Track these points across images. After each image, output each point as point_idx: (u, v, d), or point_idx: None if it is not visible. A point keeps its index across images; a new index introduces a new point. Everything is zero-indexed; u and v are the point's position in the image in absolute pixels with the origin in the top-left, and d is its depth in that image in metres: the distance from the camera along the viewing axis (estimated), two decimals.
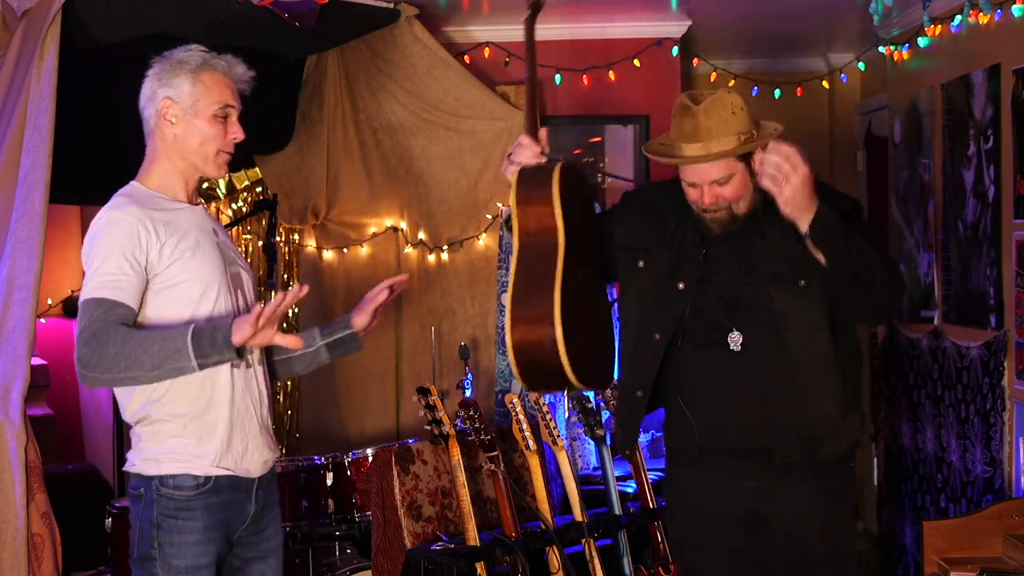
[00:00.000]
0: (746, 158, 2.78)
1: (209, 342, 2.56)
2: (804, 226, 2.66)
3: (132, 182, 2.80)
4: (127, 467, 2.77)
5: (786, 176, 2.60)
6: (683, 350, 2.95)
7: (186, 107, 2.75)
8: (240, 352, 2.59)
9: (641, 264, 2.96)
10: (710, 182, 2.80)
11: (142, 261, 2.64)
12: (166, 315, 2.68)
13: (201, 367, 2.57)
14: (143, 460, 2.72)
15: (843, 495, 2.99)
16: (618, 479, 4.21)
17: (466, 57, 5.33)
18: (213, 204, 5.36)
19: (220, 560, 2.77)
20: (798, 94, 6.09)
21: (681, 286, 2.90)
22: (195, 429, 2.69)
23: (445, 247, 5.21)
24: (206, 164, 2.80)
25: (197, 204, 2.85)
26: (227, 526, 2.76)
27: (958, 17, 4.49)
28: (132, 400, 2.72)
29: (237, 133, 2.82)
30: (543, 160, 2.85)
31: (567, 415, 4.66)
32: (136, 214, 2.66)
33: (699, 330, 2.92)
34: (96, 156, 4.20)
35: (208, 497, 2.70)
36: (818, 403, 2.85)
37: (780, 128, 2.88)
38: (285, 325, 5.49)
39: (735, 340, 2.88)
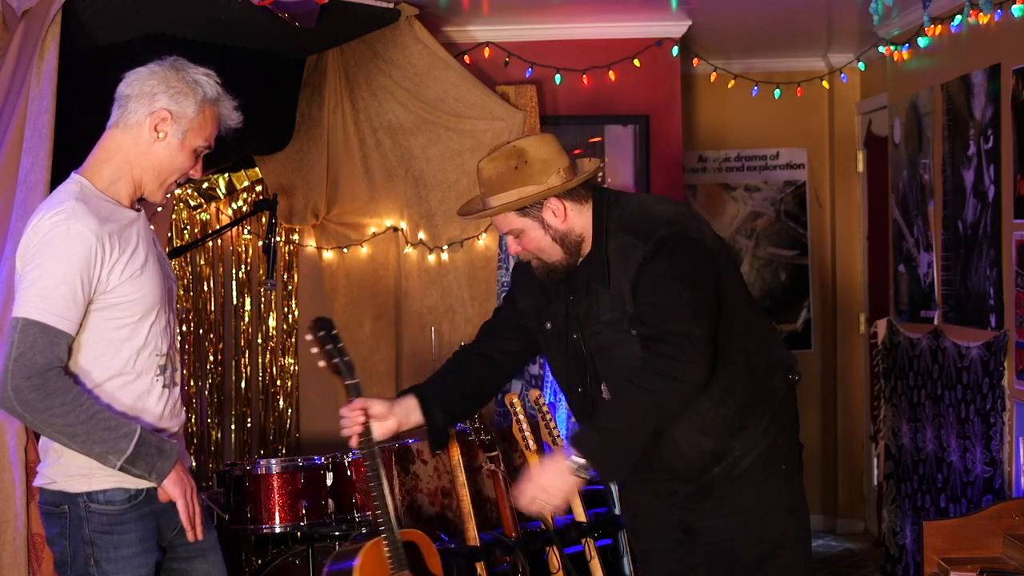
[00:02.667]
0: (536, 214, 2.78)
1: (145, 465, 2.57)
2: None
3: (79, 177, 2.65)
4: (43, 483, 2.67)
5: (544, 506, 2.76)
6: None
7: (180, 130, 2.64)
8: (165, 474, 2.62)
9: (548, 325, 2.98)
10: (505, 233, 2.85)
11: (93, 284, 2.54)
12: (102, 332, 2.60)
13: (128, 465, 2.56)
14: (67, 476, 2.61)
15: (775, 501, 2.92)
16: None
17: (466, 57, 5.33)
18: (213, 204, 5.36)
19: (158, 567, 2.72)
20: (798, 94, 6.09)
21: (575, 336, 2.91)
22: None
23: (445, 247, 5.21)
24: (158, 188, 2.70)
25: (139, 211, 2.73)
26: (160, 533, 2.71)
27: (958, 17, 4.49)
28: None
29: (198, 172, 2.74)
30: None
31: (567, 415, 4.66)
32: (96, 230, 2.53)
33: (591, 380, 2.95)
34: None
35: (141, 508, 2.65)
36: (685, 439, 2.82)
37: (590, 169, 2.84)
38: (285, 325, 5.49)
39: (604, 388, 2.89)
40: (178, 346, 2.81)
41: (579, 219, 2.82)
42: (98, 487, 2.60)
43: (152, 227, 2.82)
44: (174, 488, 2.63)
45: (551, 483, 2.74)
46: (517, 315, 3.10)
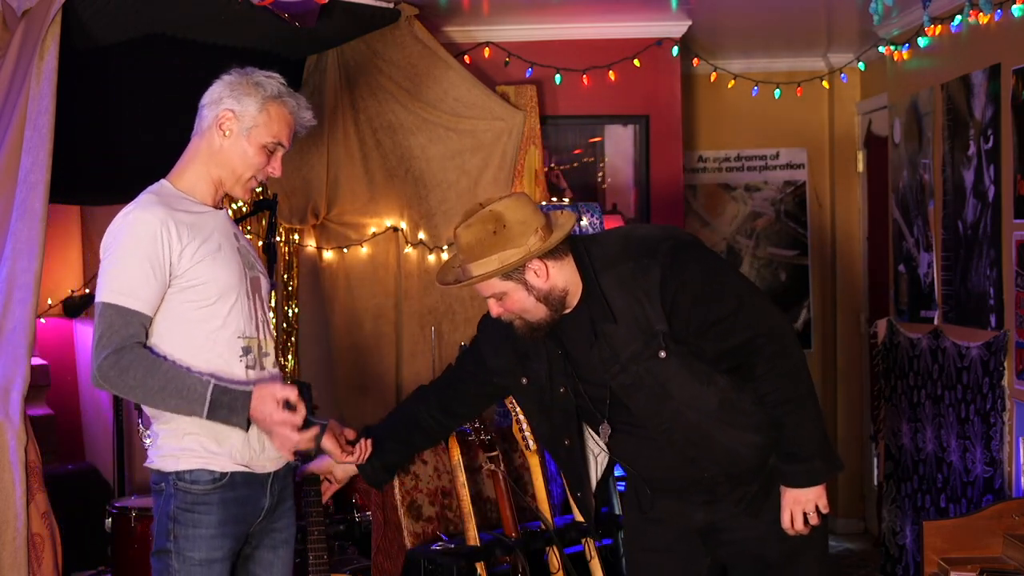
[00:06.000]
0: (519, 277, 2.78)
1: (224, 421, 2.69)
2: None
3: (163, 180, 2.83)
4: (147, 463, 2.84)
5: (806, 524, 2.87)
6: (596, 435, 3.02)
7: (244, 127, 2.79)
8: (248, 423, 2.71)
9: (525, 381, 2.99)
10: (487, 297, 2.84)
11: (165, 265, 2.68)
12: (181, 314, 2.73)
13: (210, 419, 2.69)
14: (161, 456, 2.77)
15: None
16: (618, 479, 4.21)
17: (466, 57, 5.34)
18: None
19: (236, 554, 2.82)
20: (798, 94, 6.09)
21: (562, 390, 2.93)
22: (210, 429, 2.73)
23: (445, 247, 5.21)
24: (235, 184, 2.84)
25: (222, 209, 2.89)
26: (243, 521, 2.81)
27: (958, 17, 4.49)
28: None
29: (276, 170, 2.87)
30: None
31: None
32: (161, 216, 2.69)
33: (589, 422, 2.99)
34: (96, 156, 4.20)
35: (224, 492, 2.75)
36: (740, 442, 2.85)
37: (566, 223, 2.83)
38: (285, 325, 5.49)
39: (604, 431, 2.92)
40: (271, 331, 2.94)
41: (560, 274, 2.81)
42: (185, 467, 2.74)
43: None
44: (264, 428, 2.73)
45: (809, 500, 2.85)
46: (485, 372, 3.11)
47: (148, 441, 2.90)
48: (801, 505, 2.83)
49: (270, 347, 2.89)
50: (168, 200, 2.75)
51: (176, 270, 2.70)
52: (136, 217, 2.69)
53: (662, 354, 2.77)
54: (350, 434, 3.12)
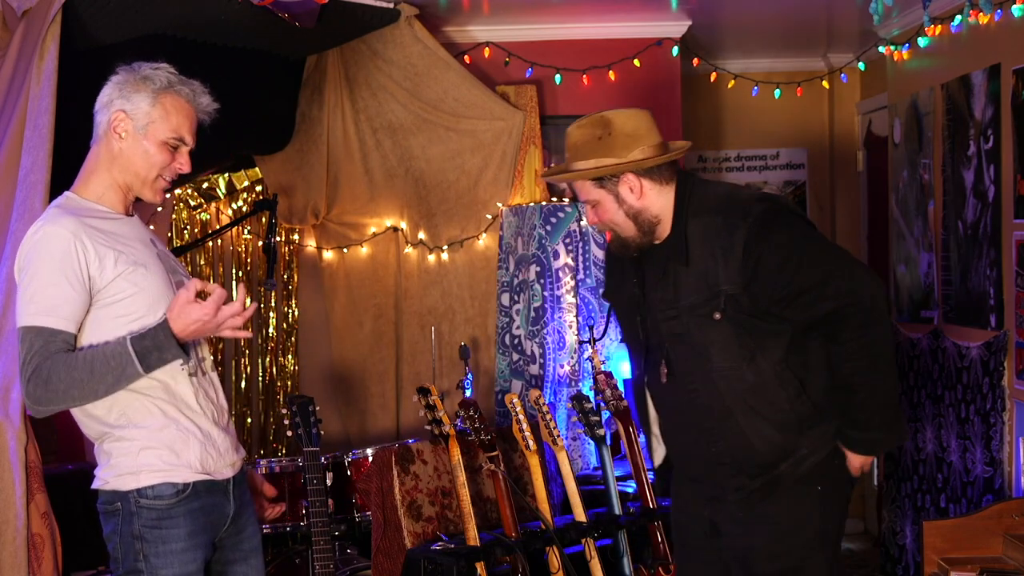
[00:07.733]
0: (612, 187, 2.78)
1: (160, 364, 2.57)
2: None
3: (67, 192, 2.72)
4: (98, 485, 2.72)
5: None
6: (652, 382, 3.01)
7: (139, 126, 2.68)
8: (185, 349, 2.59)
9: (624, 300, 3.01)
10: (583, 201, 2.86)
11: (83, 278, 2.57)
12: (111, 330, 2.62)
13: (149, 371, 2.57)
14: (117, 476, 2.67)
15: (802, 521, 2.88)
16: (618, 479, 4.21)
17: (466, 57, 5.33)
18: (213, 204, 5.36)
19: (206, 565, 2.75)
20: (798, 94, 6.09)
21: (638, 319, 2.93)
22: (166, 441, 2.66)
23: (445, 247, 5.21)
24: (143, 186, 2.73)
25: (133, 215, 2.78)
26: (210, 530, 2.74)
27: (958, 17, 4.49)
28: (92, 421, 2.68)
29: (183, 166, 2.75)
30: None
31: (569, 413, 4.66)
32: (72, 228, 2.57)
33: (651, 360, 2.96)
34: None
35: (189, 503, 2.68)
36: (756, 432, 2.81)
37: (678, 150, 2.83)
38: (285, 325, 5.49)
39: (663, 372, 2.90)
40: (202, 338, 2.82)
41: (658, 199, 2.80)
42: (146, 483, 2.65)
43: (152, 227, 2.81)
44: (191, 335, 2.58)
45: (866, 463, 2.89)
46: (608, 294, 3.15)
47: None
48: (855, 470, 2.88)
49: (206, 351, 2.81)
50: (77, 212, 2.63)
51: (97, 284, 2.59)
52: (47, 233, 2.57)
53: (717, 316, 2.76)
54: (270, 491, 3.06)
